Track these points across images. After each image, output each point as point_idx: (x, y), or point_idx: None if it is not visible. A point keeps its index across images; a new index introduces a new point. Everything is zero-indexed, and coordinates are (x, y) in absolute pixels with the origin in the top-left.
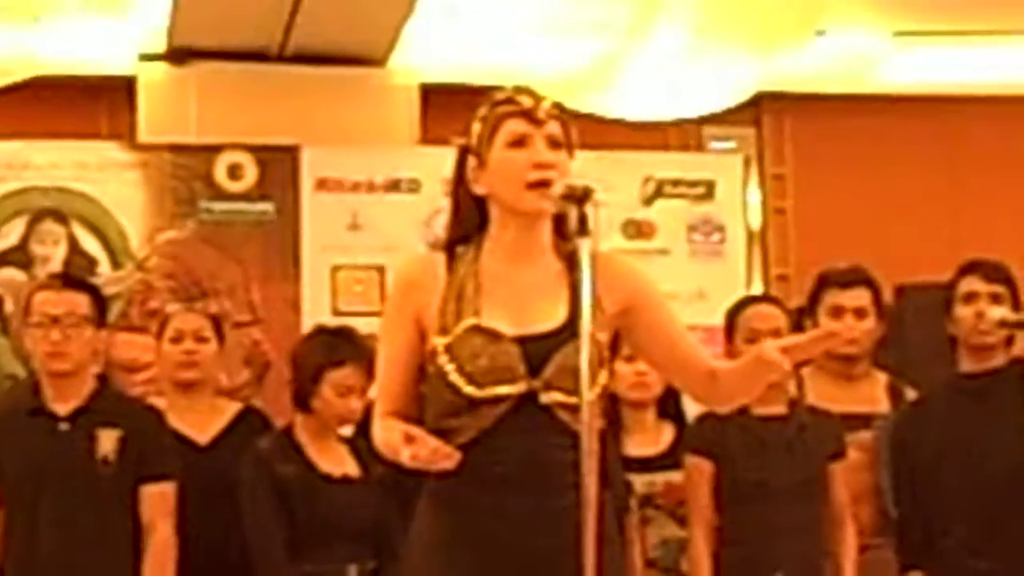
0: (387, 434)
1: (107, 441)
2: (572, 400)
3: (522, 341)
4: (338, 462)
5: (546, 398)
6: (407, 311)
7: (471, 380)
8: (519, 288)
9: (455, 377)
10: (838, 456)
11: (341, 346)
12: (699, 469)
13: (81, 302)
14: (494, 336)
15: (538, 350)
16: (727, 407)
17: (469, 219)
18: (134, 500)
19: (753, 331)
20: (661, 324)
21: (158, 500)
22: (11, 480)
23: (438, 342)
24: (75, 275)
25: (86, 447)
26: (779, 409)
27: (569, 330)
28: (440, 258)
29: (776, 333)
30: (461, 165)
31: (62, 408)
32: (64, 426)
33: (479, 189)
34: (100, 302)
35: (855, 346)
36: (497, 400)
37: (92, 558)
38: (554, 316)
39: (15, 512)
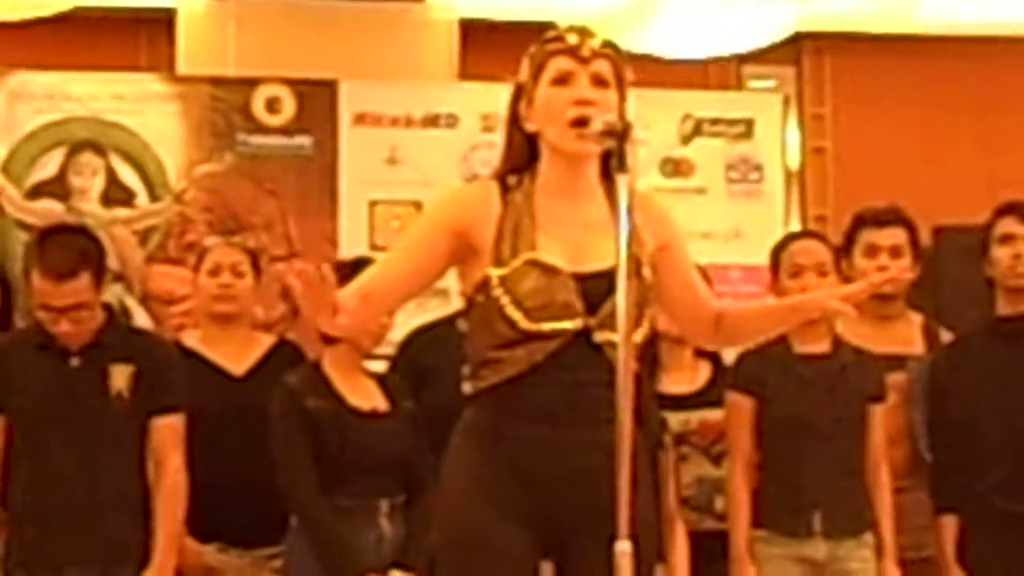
0: None
1: (120, 377)
2: None
3: (579, 278)
4: (367, 396)
5: (600, 337)
6: (452, 222)
7: (527, 314)
8: (573, 225)
9: (511, 310)
10: (878, 399)
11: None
12: (739, 406)
13: (81, 287)
14: (552, 271)
15: (595, 288)
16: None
17: (520, 156)
18: (145, 434)
19: (797, 266)
20: (684, 267)
21: (169, 432)
22: (22, 416)
23: (493, 273)
24: (67, 247)
25: (99, 383)
26: (822, 348)
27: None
28: (494, 187)
29: (820, 267)
30: (515, 103)
31: (72, 342)
32: (75, 361)
33: (530, 127)
34: (100, 270)
35: (891, 286)
36: (552, 335)
37: (105, 493)
38: (608, 255)
39: (26, 449)
